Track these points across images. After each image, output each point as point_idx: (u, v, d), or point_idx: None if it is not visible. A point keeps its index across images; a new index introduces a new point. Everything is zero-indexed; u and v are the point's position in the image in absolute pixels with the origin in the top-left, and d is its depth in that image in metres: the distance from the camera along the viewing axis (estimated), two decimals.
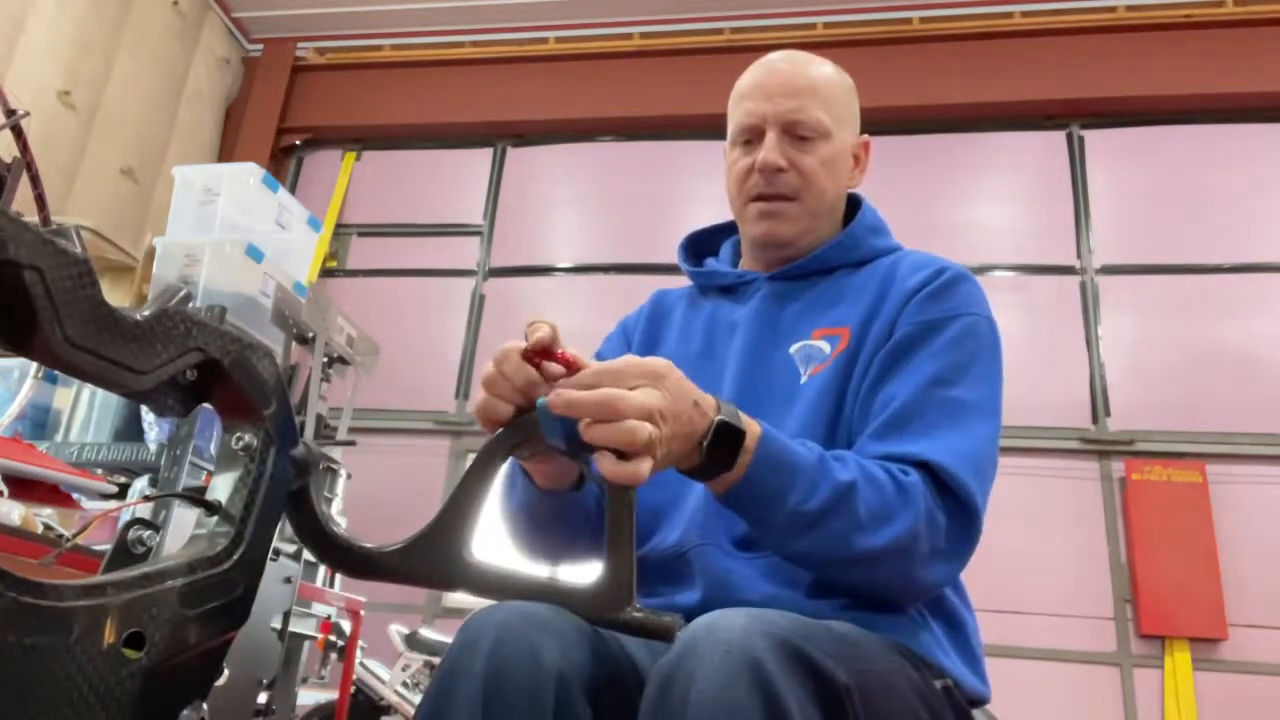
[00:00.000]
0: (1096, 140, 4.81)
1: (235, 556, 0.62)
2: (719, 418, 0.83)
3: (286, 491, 0.67)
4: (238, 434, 0.65)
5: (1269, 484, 4.12)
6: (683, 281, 1.28)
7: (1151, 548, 4.04)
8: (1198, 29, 4.72)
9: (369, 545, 0.75)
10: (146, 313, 0.58)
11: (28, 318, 0.52)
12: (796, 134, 1.11)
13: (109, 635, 0.54)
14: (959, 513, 0.92)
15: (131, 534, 0.64)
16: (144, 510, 1.72)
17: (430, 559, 0.75)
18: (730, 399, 1.08)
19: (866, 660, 0.78)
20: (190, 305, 0.61)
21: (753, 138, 1.13)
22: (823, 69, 1.16)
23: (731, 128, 1.17)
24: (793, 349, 1.10)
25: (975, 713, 0.95)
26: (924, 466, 0.92)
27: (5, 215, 0.50)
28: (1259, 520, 4.06)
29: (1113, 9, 4.85)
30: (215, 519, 0.64)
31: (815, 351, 1.08)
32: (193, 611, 0.59)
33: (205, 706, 0.60)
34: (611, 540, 0.78)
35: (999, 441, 1.00)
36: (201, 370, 0.62)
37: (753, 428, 0.86)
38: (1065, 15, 4.89)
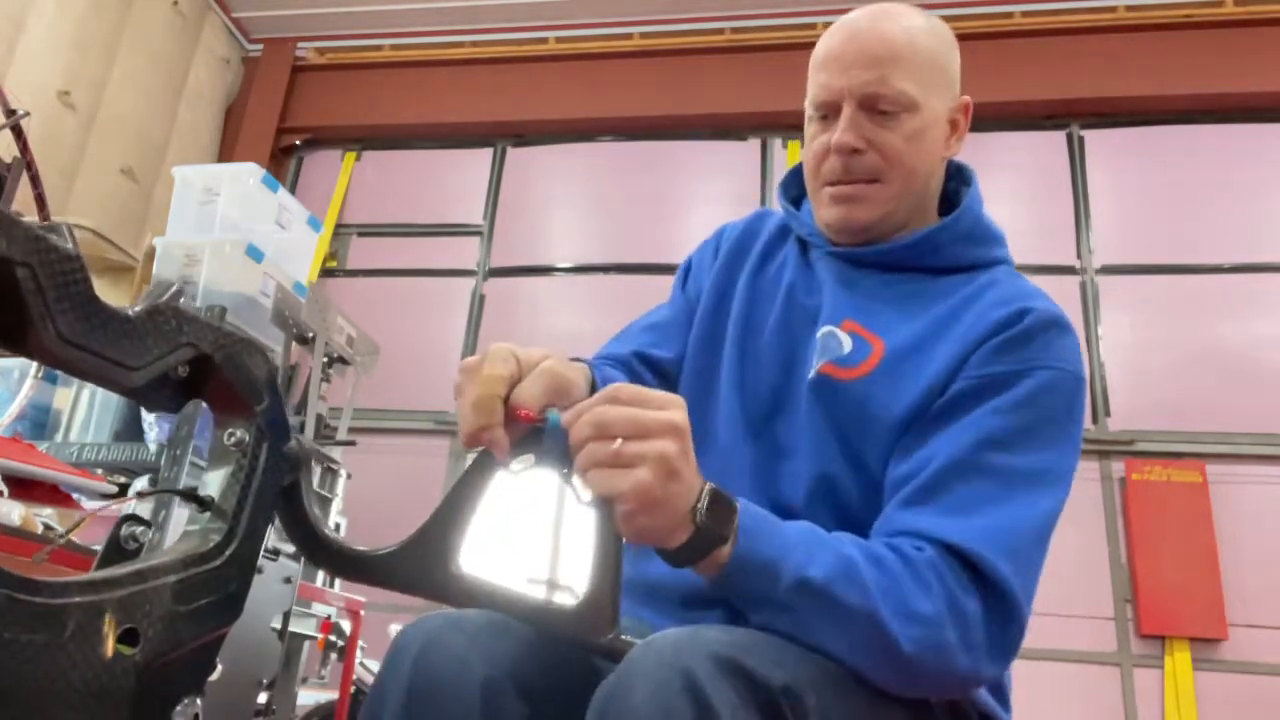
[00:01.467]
0: (1096, 140, 4.82)
1: (228, 552, 0.62)
2: (710, 485, 0.75)
3: (279, 487, 0.67)
4: (230, 429, 0.65)
5: (1269, 484, 4.12)
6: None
7: (1151, 548, 4.04)
8: (1198, 29, 4.72)
9: (358, 547, 0.74)
10: (138, 309, 0.59)
11: (20, 315, 0.52)
12: (876, 109, 0.97)
13: (103, 632, 0.54)
14: (992, 602, 0.79)
15: (124, 530, 0.64)
16: (144, 509, 1.72)
17: (417, 566, 0.74)
18: (760, 368, 1.03)
19: (820, 665, 0.75)
20: (181, 301, 0.61)
21: (829, 113, 1.00)
22: (910, 26, 0.99)
23: (808, 100, 1.04)
24: (820, 332, 0.99)
25: None
26: (946, 548, 0.80)
27: None
28: (1259, 520, 4.06)
29: (1113, 9, 4.85)
30: (208, 515, 0.64)
31: (834, 343, 0.97)
32: (186, 608, 0.59)
33: (199, 703, 0.60)
34: (598, 563, 0.75)
35: (1058, 516, 0.87)
36: (193, 366, 0.62)
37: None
38: (1065, 15, 4.89)
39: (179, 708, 0.59)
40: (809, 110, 1.04)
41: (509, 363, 0.76)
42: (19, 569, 0.51)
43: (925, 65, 0.98)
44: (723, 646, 0.69)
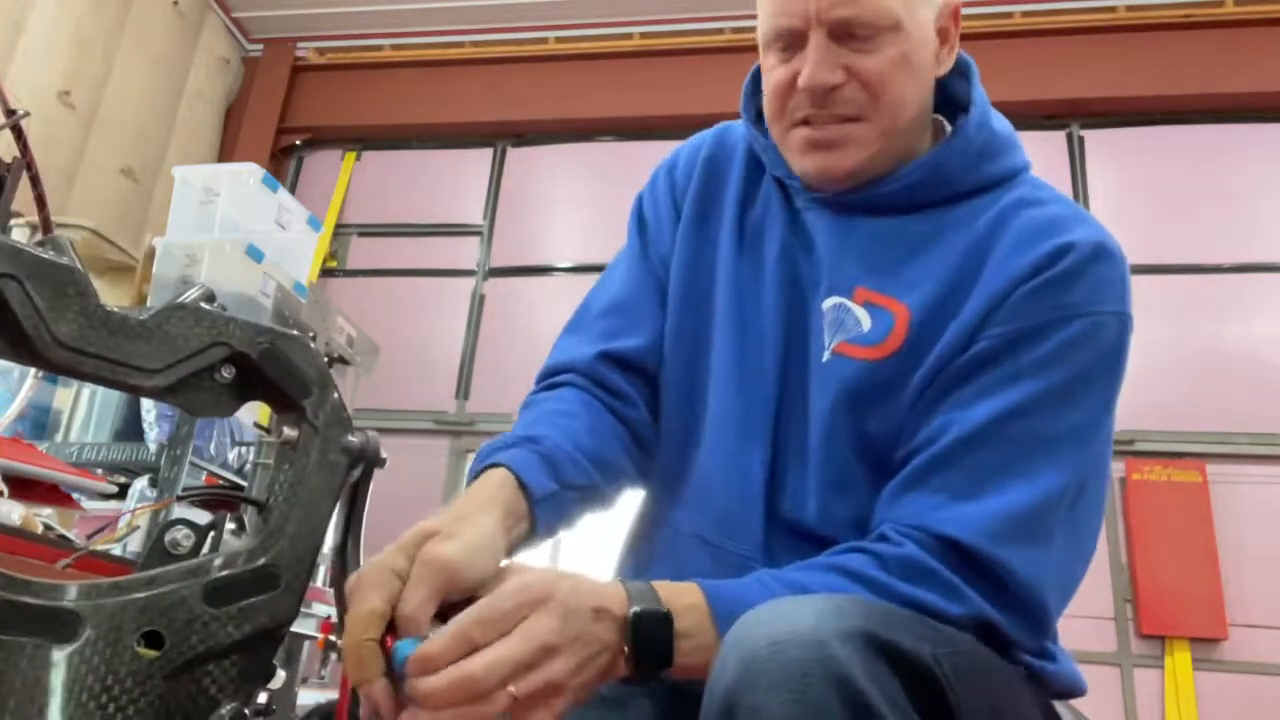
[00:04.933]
0: (1096, 140, 4.81)
1: (271, 553, 0.60)
2: (633, 610, 0.63)
3: (338, 483, 0.64)
4: (281, 427, 0.64)
5: (1269, 484, 4.12)
6: None
7: (1151, 548, 4.04)
8: (1198, 29, 4.72)
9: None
10: (152, 310, 0.58)
11: (15, 325, 0.53)
12: (851, 33, 0.79)
13: (123, 635, 0.54)
14: (999, 598, 0.68)
15: (169, 535, 0.62)
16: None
17: None
18: (764, 352, 0.84)
19: (947, 636, 0.63)
20: (213, 302, 0.61)
21: (791, 42, 0.82)
22: None
23: (761, 30, 0.85)
24: (826, 304, 0.82)
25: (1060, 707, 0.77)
26: (940, 541, 0.68)
27: None
28: (1259, 520, 4.06)
29: (1113, 9, 4.85)
30: (260, 516, 0.63)
31: (849, 319, 0.80)
32: (219, 610, 0.58)
33: (246, 711, 0.58)
34: None
35: (1090, 483, 0.75)
36: (239, 366, 0.61)
37: (686, 596, 0.65)
38: (1065, 15, 4.89)
39: (221, 712, 0.57)
40: (763, 40, 0.85)
41: (384, 589, 0.61)
42: (38, 573, 0.51)
43: None
44: (864, 622, 0.55)
